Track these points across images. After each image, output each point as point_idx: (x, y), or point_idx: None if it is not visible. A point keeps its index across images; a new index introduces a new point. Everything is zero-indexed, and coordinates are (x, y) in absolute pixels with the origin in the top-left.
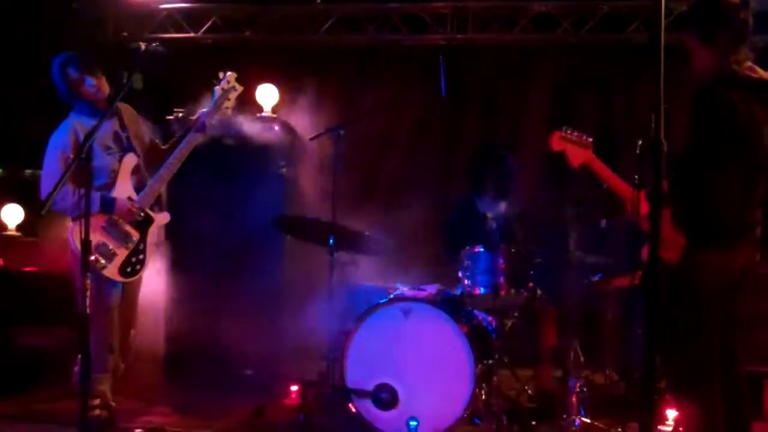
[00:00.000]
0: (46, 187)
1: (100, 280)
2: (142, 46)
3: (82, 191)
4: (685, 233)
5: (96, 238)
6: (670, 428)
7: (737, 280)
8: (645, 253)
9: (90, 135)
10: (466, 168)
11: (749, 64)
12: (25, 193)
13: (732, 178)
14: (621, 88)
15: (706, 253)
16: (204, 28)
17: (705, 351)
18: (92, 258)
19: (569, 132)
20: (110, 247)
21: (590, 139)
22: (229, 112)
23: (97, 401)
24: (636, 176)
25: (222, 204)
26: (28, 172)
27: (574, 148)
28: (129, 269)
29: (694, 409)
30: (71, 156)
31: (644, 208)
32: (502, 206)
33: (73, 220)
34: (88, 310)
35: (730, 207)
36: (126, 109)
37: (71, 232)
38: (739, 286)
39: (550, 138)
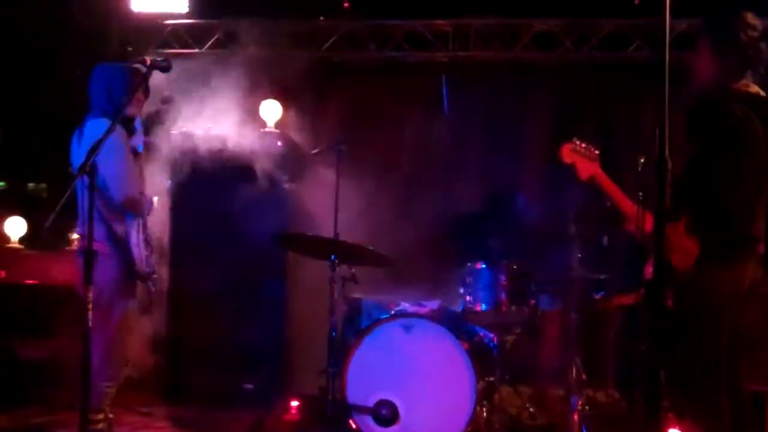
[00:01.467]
0: (122, 188)
1: (131, 292)
2: (148, 60)
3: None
4: (699, 244)
5: (145, 250)
6: None
7: (744, 297)
8: (649, 269)
9: (95, 149)
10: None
11: (745, 81)
12: (27, 206)
13: (743, 188)
14: (622, 106)
15: (719, 267)
16: (208, 43)
17: (713, 366)
18: (153, 273)
19: (579, 144)
20: (150, 258)
21: (597, 152)
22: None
23: (101, 416)
24: (640, 193)
25: (224, 219)
26: (30, 185)
27: (583, 160)
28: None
29: (700, 427)
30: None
31: (649, 225)
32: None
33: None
34: (90, 323)
35: (742, 219)
36: None
37: (135, 242)
38: (744, 302)
39: (561, 150)
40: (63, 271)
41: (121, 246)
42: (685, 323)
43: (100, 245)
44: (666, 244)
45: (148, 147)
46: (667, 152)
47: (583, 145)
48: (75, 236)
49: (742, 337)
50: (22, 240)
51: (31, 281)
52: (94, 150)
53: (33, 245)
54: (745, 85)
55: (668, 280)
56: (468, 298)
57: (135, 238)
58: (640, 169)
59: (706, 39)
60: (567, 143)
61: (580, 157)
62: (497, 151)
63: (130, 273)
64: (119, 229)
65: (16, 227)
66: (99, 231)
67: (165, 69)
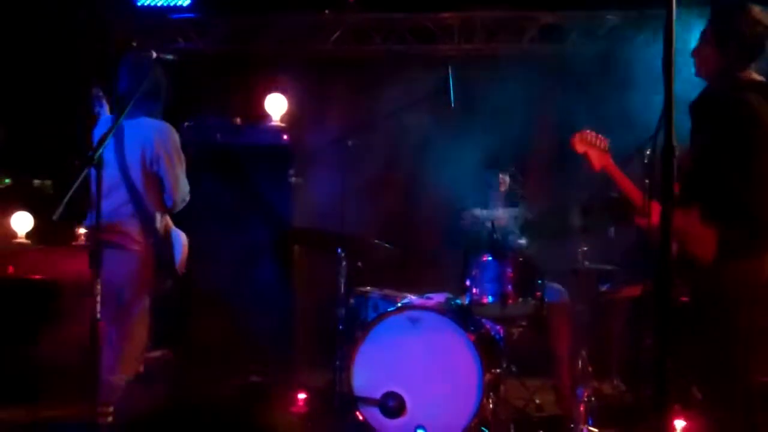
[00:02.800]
0: (179, 190)
1: (153, 288)
2: (153, 54)
3: None
4: (716, 236)
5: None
6: None
7: (764, 291)
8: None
9: (102, 142)
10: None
11: (749, 71)
12: (33, 202)
13: (758, 178)
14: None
15: (736, 260)
16: (213, 38)
17: (730, 359)
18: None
19: (589, 134)
20: None
21: (606, 142)
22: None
23: (110, 408)
24: (647, 180)
25: (230, 213)
26: (36, 182)
27: (595, 150)
28: None
29: (716, 418)
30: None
31: (655, 217)
32: (506, 215)
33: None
34: (99, 315)
35: (759, 210)
36: None
37: (180, 241)
38: (763, 296)
39: (572, 140)
40: (71, 266)
41: (158, 243)
42: (702, 316)
43: (131, 240)
44: (684, 235)
45: None
46: (674, 141)
47: (594, 134)
48: (82, 230)
49: (759, 331)
50: (29, 235)
51: (38, 276)
52: (100, 145)
53: (40, 240)
54: (749, 74)
55: (685, 272)
56: (474, 290)
57: (178, 237)
58: (646, 161)
59: (709, 29)
60: (578, 133)
61: (591, 147)
62: (503, 142)
63: (161, 269)
64: (160, 226)
65: (22, 222)
66: (133, 226)
67: (171, 62)
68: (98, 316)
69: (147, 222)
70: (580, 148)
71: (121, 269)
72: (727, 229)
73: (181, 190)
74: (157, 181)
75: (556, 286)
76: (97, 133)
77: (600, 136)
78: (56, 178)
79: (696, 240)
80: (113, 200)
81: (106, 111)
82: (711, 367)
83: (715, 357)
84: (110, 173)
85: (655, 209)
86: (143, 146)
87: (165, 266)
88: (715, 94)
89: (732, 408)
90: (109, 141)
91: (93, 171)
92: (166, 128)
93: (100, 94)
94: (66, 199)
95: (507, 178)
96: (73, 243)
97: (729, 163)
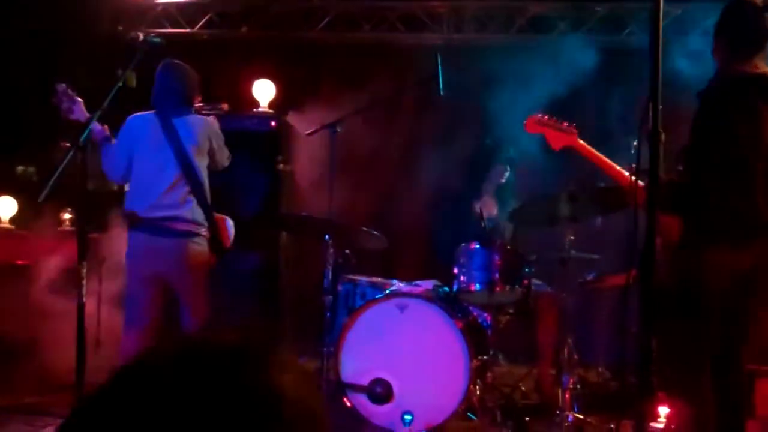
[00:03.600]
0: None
1: None
2: (141, 36)
3: None
4: (685, 225)
5: None
6: (662, 425)
7: (746, 280)
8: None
9: (87, 127)
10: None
11: (755, 62)
12: (18, 188)
13: (724, 169)
14: (618, 89)
15: (710, 250)
16: (200, 23)
17: (697, 348)
18: None
19: (544, 117)
20: None
21: (566, 124)
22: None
23: None
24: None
25: (218, 199)
26: (20, 168)
27: (552, 132)
28: None
29: (684, 405)
30: None
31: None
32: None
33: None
34: (84, 299)
35: (746, 204)
36: None
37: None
38: (751, 285)
39: (525, 122)
40: (55, 252)
41: (213, 227)
42: (672, 306)
43: (196, 226)
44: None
45: None
46: (660, 126)
47: (552, 119)
48: (66, 216)
49: (748, 320)
50: (12, 220)
51: (22, 262)
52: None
53: (24, 226)
54: (754, 66)
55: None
56: (462, 278)
57: (227, 219)
58: (632, 151)
59: (718, 43)
60: (531, 116)
61: (547, 128)
62: (492, 131)
63: (215, 249)
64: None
65: (6, 207)
66: (198, 215)
67: (158, 46)
68: (83, 300)
69: (207, 209)
70: (531, 129)
71: (198, 257)
72: (705, 220)
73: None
74: (215, 167)
75: (536, 281)
76: (122, 132)
77: (559, 120)
78: (39, 165)
79: (665, 226)
80: (178, 193)
81: (78, 104)
82: (678, 353)
83: (680, 348)
84: (171, 171)
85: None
86: (197, 140)
87: (218, 246)
88: (706, 86)
89: (699, 403)
90: (162, 140)
91: (147, 165)
92: (211, 121)
93: (63, 87)
94: (52, 181)
95: (508, 170)
96: (58, 228)
97: (695, 153)
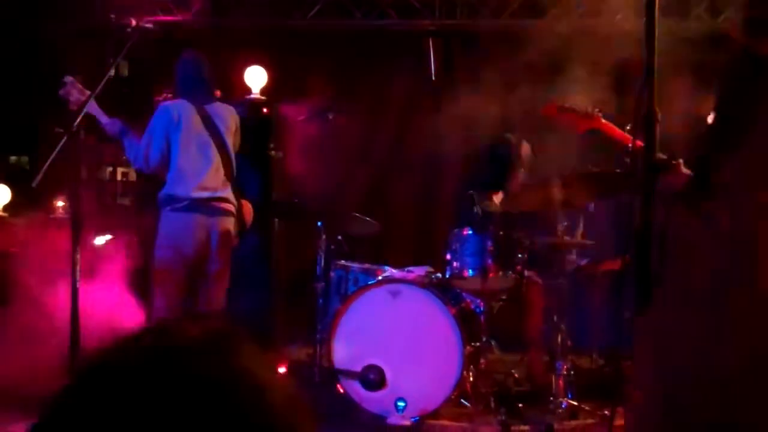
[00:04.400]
0: None
1: None
2: (133, 22)
3: None
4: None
5: None
6: None
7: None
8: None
9: (80, 113)
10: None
11: None
12: (11, 176)
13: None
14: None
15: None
16: (193, 11)
17: None
18: None
19: (565, 104)
20: None
21: (589, 109)
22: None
23: None
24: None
25: None
26: (12, 158)
27: (574, 117)
28: None
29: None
30: None
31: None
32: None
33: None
34: (78, 285)
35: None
36: None
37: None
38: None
39: (547, 107)
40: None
41: (239, 209)
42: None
43: (233, 207)
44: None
45: None
46: (655, 105)
47: (569, 104)
48: (60, 203)
49: None
50: (5, 208)
51: (15, 250)
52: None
53: (17, 214)
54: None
55: None
56: (455, 264)
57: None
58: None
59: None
60: (551, 103)
61: (569, 114)
62: (485, 117)
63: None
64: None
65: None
66: (233, 197)
67: (150, 32)
68: (77, 285)
69: (237, 191)
70: (551, 114)
71: (233, 238)
72: None
73: None
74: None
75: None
76: (158, 119)
77: (581, 104)
78: (32, 153)
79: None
80: (219, 174)
81: (79, 95)
82: None
83: None
84: (211, 154)
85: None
86: (228, 125)
87: (241, 227)
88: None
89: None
90: (199, 125)
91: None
92: (233, 110)
93: (71, 80)
94: (45, 167)
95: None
96: (51, 216)
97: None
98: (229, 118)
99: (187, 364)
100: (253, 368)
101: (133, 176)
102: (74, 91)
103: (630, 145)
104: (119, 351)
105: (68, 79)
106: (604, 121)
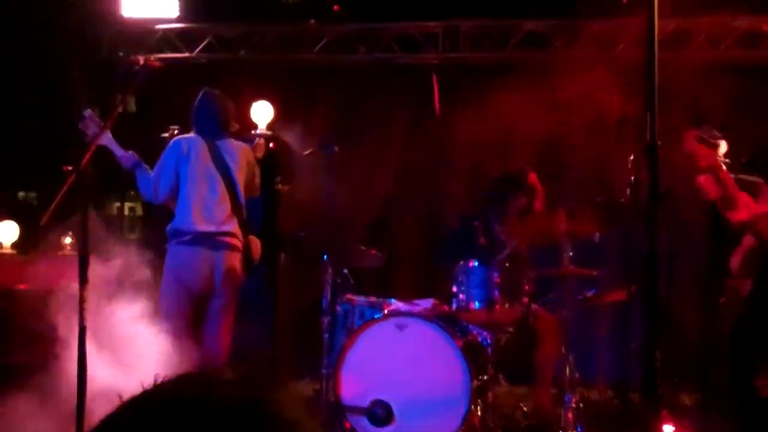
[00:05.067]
0: None
1: None
2: (141, 60)
3: None
4: None
5: None
6: None
7: None
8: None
9: (91, 151)
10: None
11: None
12: (19, 213)
13: None
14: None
15: None
16: (199, 47)
17: None
18: None
19: (704, 133)
20: None
21: (719, 141)
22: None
23: None
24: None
25: None
26: (21, 194)
27: (704, 148)
28: None
29: None
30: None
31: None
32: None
33: None
34: (85, 323)
35: None
36: None
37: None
38: None
39: (685, 136)
40: (57, 276)
41: (247, 244)
42: None
43: (239, 242)
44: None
45: None
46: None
47: (708, 134)
48: (68, 240)
49: None
50: (14, 245)
51: (24, 287)
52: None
53: (26, 251)
54: None
55: None
56: (461, 296)
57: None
58: (630, 166)
59: None
60: (694, 130)
61: (703, 145)
62: (489, 147)
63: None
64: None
65: (8, 232)
66: (239, 232)
67: (157, 69)
68: (84, 324)
69: (244, 227)
70: (689, 145)
71: (240, 273)
72: None
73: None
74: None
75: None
76: (168, 153)
77: (715, 134)
78: (40, 190)
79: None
80: (225, 209)
81: (96, 129)
82: None
83: None
84: (219, 189)
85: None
86: (238, 162)
87: (249, 263)
88: None
89: None
90: (208, 160)
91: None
92: (248, 148)
93: (90, 113)
94: (53, 205)
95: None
96: (60, 253)
97: None
98: (239, 154)
99: (226, 404)
100: (286, 410)
101: (140, 211)
102: (92, 124)
103: (733, 198)
104: (153, 399)
105: (87, 112)
106: (720, 162)
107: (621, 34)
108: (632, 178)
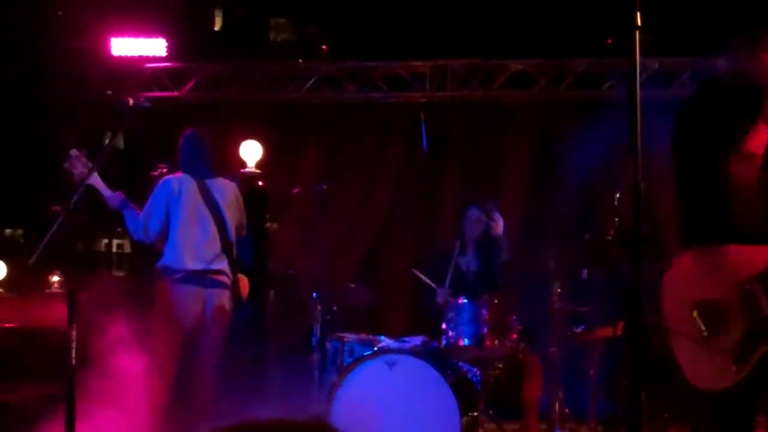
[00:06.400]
0: None
1: None
2: (130, 101)
3: None
4: None
5: None
6: None
7: None
8: None
9: (79, 190)
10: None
11: None
12: (6, 252)
13: None
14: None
15: None
16: (188, 86)
17: None
18: None
19: None
20: None
21: None
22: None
23: None
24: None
25: None
26: (7, 231)
27: None
28: None
29: None
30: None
31: None
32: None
33: None
34: (74, 362)
35: None
36: None
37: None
38: None
39: None
40: (44, 314)
41: (236, 281)
42: None
43: (229, 281)
44: None
45: None
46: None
47: None
48: (55, 278)
49: None
50: (2, 284)
51: (11, 325)
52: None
53: (13, 289)
54: None
55: None
56: (450, 333)
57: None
58: (616, 203)
59: None
60: None
61: None
62: (476, 188)
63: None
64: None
65: None
66: (228, 270)
67: (146, 109)
68: (73, 362)
69: (233, 266)
70: None
71: (229, 311)
72: None
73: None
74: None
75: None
76: (159, 192)
77: None
78: (27, 228)
79: None
80: (215, 248)
81: (83, 169)
82: None
83: None
84: (209, 227)
85: None
86: (227, 200)
87: (237, 301)
88: None
89: None
90: (198, 199)
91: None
92: (235, 185)
93: (76, 153)
94: (42, 245)
95: (483, 216)
96: (47, 291)
97: None
98: (228, 193)
99: None
100: None
101: (128, 248)
102: (78, 164)
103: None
104: None
105: (73, 152)
106: None
107: (606, 73)
108: (615, 218)
